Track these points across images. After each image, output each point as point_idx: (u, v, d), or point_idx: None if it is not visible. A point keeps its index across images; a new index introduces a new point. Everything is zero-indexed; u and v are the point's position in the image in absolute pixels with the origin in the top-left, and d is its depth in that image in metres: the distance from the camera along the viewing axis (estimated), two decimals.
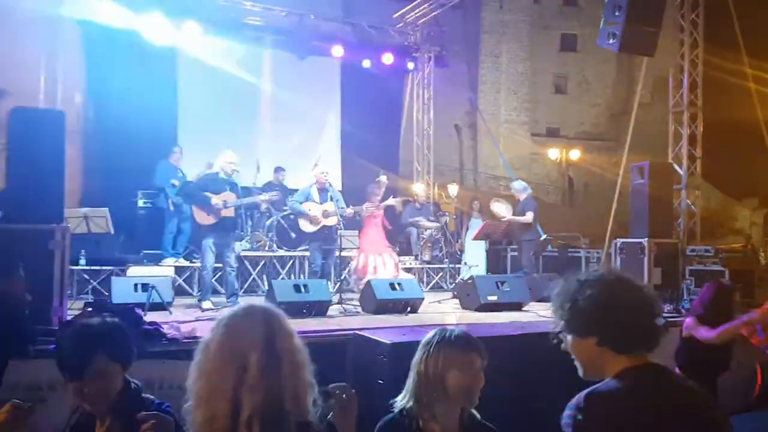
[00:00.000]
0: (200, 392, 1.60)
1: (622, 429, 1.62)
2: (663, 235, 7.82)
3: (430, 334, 2.34)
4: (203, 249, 6.92)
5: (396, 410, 2.27)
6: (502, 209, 9.23)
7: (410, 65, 12.66)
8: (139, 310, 5.05)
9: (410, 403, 2.24)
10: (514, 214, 9.18)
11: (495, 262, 11.19)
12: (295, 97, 11.49)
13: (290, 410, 1.61)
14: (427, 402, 2.21)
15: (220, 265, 7.15)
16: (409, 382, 2.28)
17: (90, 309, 4.76)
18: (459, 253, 11.23)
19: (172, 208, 8.79)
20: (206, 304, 6.79)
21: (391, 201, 8.82)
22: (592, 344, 1.76)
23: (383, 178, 8.78)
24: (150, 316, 5.25)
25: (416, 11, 12.27)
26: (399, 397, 2.30)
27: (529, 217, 8.85)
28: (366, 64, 11.81)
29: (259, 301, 2.04)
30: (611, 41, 7.66)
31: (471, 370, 2.20)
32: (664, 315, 6.59)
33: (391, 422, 2.25)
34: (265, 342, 1.62)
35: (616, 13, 7.66)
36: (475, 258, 10.37)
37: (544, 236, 8.97)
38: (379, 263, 8.35)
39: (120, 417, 2.02)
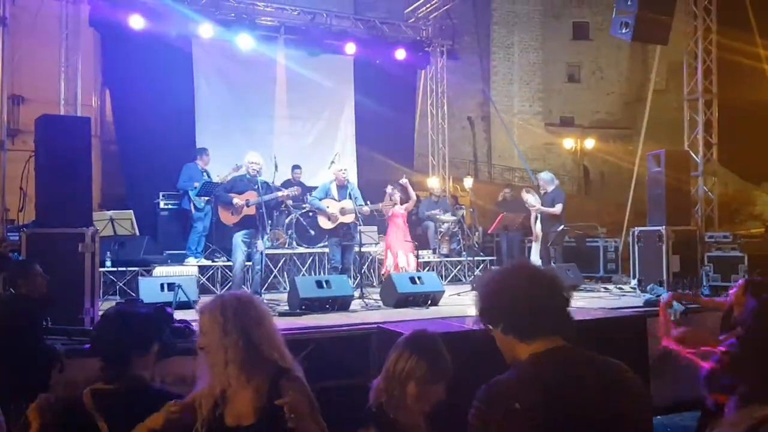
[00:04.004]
0: None
1: (518, 415, 1.61)
2: (681, 223, 7.83)
3: (409, 335, 2.46)
4: (234, 246, 7.21)
5: (370, 398, 2.40)
6: (531, 199, 9.15)
7: (422, 68, 12.76)
8: (168, 309, 5.18)
9: (380, 392, 2.38)
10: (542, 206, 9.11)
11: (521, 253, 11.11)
12: (310, 95, 11.61)
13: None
14: (393, 395, 2.34)
15: (249, 263, 7.35)
16: (382, 372, 2.41)
17: None
18: (476, 245, 11.27)
19: (193, 210, 8.94)
20: None
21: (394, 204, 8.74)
22: (500, 333, 1.79)
23: (403, 181, 8.77)
24: (177, 315, 5.39)
25: (427, 6, 12.32)
26: (372, 384, 2.43)
27: (558, 208, 8.82)
28: (378, 60, 11.88)
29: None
30: (624, 31, 7.68)
31: (426, 384, 2.32)
32: (684, 302, 6.64)
33: (368, 410, 2.39)
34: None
35: (629, 2, 7.69)
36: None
37: (561, 226, 8.95)
38: (402, 262, 8.46)
39: None
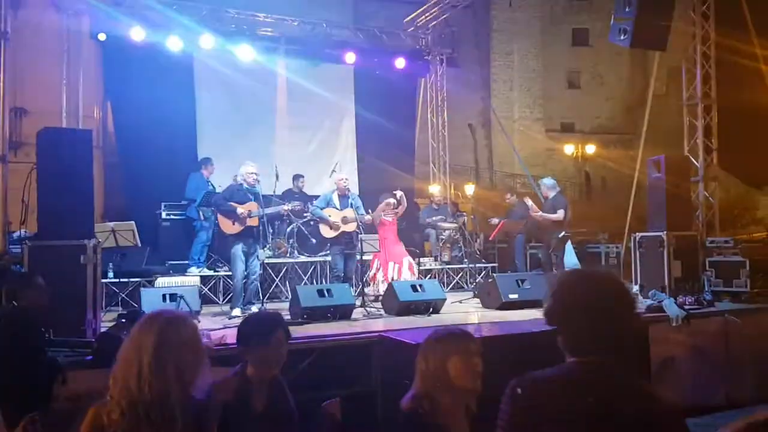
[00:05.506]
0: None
1: (543, 412, 1.68)
2: (682, 228, 7.84)
3: (424, 340, 2.46)
4: (233, 257, 7.12)
5: (405, 409, 2.32)
6: (534, 207, 9.11)
7: (422, 76, 12.87)
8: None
9: (419, 400, 2.31)
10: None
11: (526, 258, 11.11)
12: (311, 104, 11.65)
13: (175, 401, 1.99)
14: (434, 395, 2.29)
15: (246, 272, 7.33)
16: (415, 380, 2.36)
17: (124, 320, 4.91)
18: (478, 252, 11.27)
19: (202, 218, 8.96)
20: (236, 311, 6.96)
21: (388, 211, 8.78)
22: (557, 335, 1.83)
23: (398, 193, 8.80)
24: None
25: (427, 15, 12.37)
26: (406, 397, 2.36)
27: (560, 215, 8.79)
28: (378, 69, 11.94)
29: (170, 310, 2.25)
30: (622, 37, 7.70)
31: (468, 354, 2.31)
32: (686, 307, 6.64)
33: (406, 421, 2.31)
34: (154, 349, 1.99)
35: (627, 9, 7.71)
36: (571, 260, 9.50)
37: (562, 233, 8.92)
38: (395, 271, 8.45)
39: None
